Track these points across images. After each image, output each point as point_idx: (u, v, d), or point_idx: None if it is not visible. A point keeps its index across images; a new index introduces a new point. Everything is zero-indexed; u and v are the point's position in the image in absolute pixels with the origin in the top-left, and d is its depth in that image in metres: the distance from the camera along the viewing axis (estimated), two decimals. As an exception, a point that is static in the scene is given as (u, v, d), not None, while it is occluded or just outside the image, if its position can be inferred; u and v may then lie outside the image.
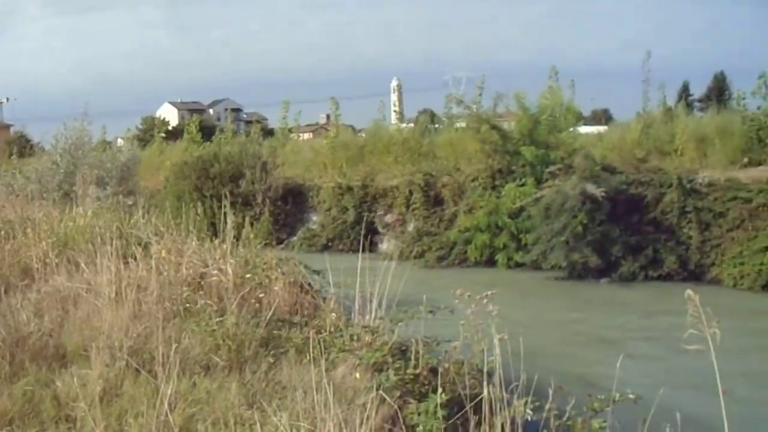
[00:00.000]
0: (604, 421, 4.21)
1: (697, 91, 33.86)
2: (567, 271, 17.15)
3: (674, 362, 9.82)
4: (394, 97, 37.56)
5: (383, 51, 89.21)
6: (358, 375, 5.07)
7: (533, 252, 17.60)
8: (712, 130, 20.10)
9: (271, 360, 5.56)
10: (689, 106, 25.84)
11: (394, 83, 39.74)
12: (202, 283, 7.23)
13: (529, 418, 4.22)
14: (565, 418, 4.30)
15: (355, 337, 5.81)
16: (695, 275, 17.18)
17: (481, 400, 4.24)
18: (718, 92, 27.40)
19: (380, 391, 4.48)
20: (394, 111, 32.76)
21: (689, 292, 2.70)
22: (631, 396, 4.37)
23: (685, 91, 28.24)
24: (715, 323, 2.64)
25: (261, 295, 6.95)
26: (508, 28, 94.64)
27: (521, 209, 18.46)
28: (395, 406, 4.45)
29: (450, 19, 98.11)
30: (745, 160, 18.89)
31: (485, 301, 4.93)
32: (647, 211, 17.85)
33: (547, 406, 4.22)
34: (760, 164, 18.80)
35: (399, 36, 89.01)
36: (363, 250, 6.79)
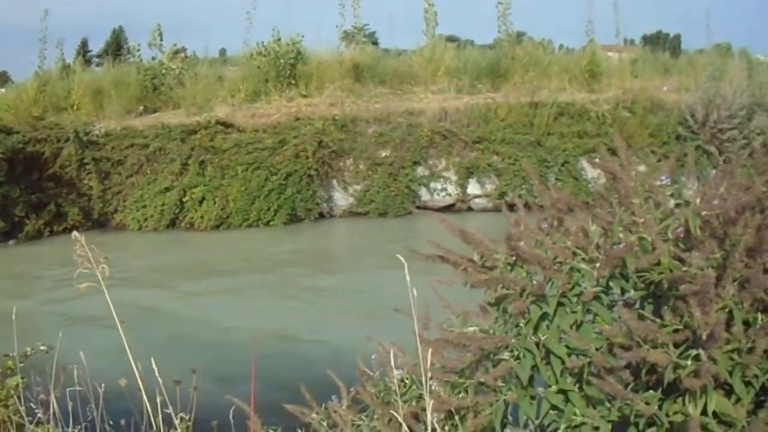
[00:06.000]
0: (23, 378, 4.32)
1: (97, 46, 34.58)
2: (-33, 240, 16.54)
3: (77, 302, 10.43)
4: None
5: None
6: None
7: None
8: (107, 82, 20.87)
9: None
10: (88, 61, 26.16)
11: None
12: None
13: None
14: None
15: None
16: (100, 223, 18.02)
17: None
18: (116, 47, 28.55)
19: None
20: None
21: (75, 233, 2.68)
22: (42, 347, 4.57)
23: (84, 47, 28.65)
24: (102, 259, 2.70)
25: None
26: None
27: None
28: None
29: None
30: (141, 108, 20.07)
31: None
32: (47, 168, 17.99)
33: None
34: (155, 111, 20.17)
35: None
36: None
